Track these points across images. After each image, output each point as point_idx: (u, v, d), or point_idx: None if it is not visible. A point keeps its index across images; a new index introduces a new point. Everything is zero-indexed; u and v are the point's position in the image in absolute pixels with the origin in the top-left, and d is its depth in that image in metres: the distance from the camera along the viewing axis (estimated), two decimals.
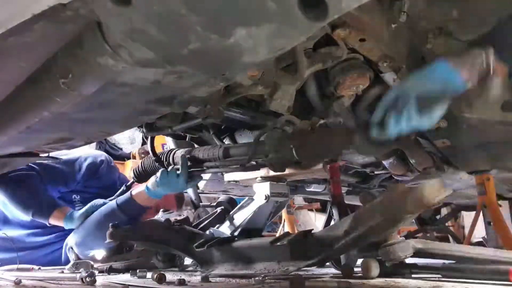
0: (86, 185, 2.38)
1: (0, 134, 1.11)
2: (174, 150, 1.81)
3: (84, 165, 2.41)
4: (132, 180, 2.07)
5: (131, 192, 2.13)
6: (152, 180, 2.07)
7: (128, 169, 3.45)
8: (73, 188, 2.36)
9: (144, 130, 1.54)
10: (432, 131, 1.46)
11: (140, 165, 1.98)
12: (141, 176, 1.99)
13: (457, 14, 1.21)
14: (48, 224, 2.20)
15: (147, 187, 2.06)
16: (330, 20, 0.59)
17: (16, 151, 1.40)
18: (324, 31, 1.08)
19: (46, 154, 1.74)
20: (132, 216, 2.11)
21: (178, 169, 1.94)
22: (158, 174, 1.99)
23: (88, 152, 2.61)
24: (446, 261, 1.24)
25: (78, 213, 2.16)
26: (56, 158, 2.14)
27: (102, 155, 2.58)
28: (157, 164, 1.83)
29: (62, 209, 2.18)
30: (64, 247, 2.19)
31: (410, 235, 3.96)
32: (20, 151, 1.40)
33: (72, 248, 2.10)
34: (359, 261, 1.38)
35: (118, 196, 2.18)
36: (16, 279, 1.40)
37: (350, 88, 1.31)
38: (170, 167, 1.92)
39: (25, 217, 2.24)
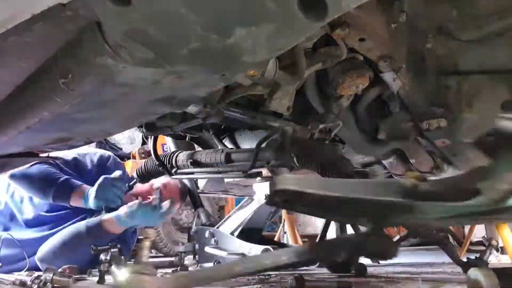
0: (96, 179, 2.40)
1: (1, 134, 1.11)
2: (177, 153, 1.81)
3: (95, 158, 2.46)
4: (134, 180, 2.08)
5: (101, 217, 2.12)
6: (123, 209, 2.09)
7: (128, 169, 3.46)
8: (85, 181, 2.36)
9: (144, 130, 1.55)
10: (432, 130, 1.47)
11: (143, 165, 1.98)
12: (144, 176, 2.00)
13: (457, 14, 1.21)
14: (69, 206, 2.21)
15: (117, 216, 2.07)
16: (329, 19, 0.60)
17: (16, 151, 1.40)
18: (323, 31, 1.08)
19: (45, 154, 1.73)
20: (98, 240, 2.03)
21: (155, 206, 2.01)
22: (132, 205, 2.03)
23: (94, 150, 2.67)
24: None
25: (92, 191, 2.16)
26: (57, 158, 2.14)
27: (107, 152, 2.64)
28: (160, 168, 1.83)
29: (79, 190, 2.19)
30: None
31: (410, 235, 3.96)
32: (20, 151, 1.40)
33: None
34: None
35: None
36: None
37: (349, 88, 1.31)
38: (143, 202, 2.02)
39: (30, 214, 2.25)
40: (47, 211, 2.28)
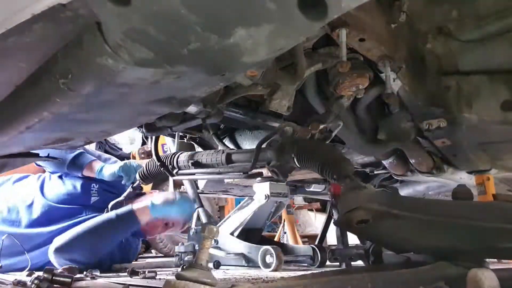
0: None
1: (1, 134, 1.11)
2: (178, 154, 1.81)
3: (102, 157, 2.57)
4: (137, 182, 2.10)
5: (132, 206, 2.16)
6: (159, 197, 2.14)
7: None
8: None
9: (144, 130, 1.55)
10: (432, 131, 1.47)
11: (145, 167, 1.99)
12: (147, 178, 2.01)
13: (457, 14, 1.21)
14: (80, 175, 2.32)
15: (152, 204, 2.12)
16: (329, 20, 0.59)
17: (16, 151, 1.40)
18: (323, 31, 1.08)
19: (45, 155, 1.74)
20: (127, 229, 2.14)
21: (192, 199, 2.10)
22: (170, 194, 2.10)
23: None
24: None
25: (109, 167, 2.27)
26: (55, 158, 2.14)
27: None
28: (162, 169, 1.84)
29: (94, 163, 2.32)
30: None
31: None
32: (19, 151, 1.40)
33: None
34: None
35: (127, 196, 2.21)
36: None
37: (349, 88, 1.31)
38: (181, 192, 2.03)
39: (39, 211, 2.27)
40: (57, 202, 2.31)
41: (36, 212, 2.28)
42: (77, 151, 2.34)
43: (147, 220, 2.15)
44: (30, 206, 2.31)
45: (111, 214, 2.14)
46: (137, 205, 2.17)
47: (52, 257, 2.03)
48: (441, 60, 1.32)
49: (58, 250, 2.02)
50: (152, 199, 2.17)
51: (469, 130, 1.43)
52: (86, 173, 2.34)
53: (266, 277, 1.57)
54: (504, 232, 0.77)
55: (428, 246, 0.94)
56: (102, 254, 2.01)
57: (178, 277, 0.76)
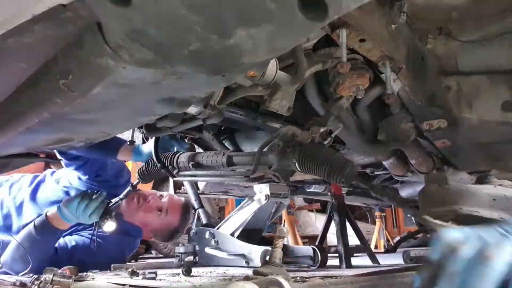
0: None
1: (1, 135, 1.11)
2: (178, 154, 1.81)
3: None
4: (137, 180, 2.07)
5: (46, 213, 2.08)
6: (64, 202, 2.05)
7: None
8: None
9: (144, 130, 1.54)
10: (432, 131, 1.47)
11: (144, 166, 1.98)
12: (146, 176, 1.99)
13: (457, 15, 1.21)
14: (115, 160, 2.21)
15: (58, 207, 2.03)
16: (330, 20, 0.60)
17: (17, 152, 1.40)
18: (323, 32, 1.08)
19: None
20: (48, 239, 2.04)
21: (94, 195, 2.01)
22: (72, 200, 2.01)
23: None
24: None
25: (143, 147, 2.13)
26: (57, 158, 2.14)
27: None
28: (162, 169, 1.83)
29: (127, 146, 2.15)
30: None
31: (410, 236, 3.97)
32: (20, 151, 1.40)
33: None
34: None
35: (125, 194, 2.18)
36: None
37: (349, 89, 1.31)
38: (79, 199, 1.98)
39: (31, 216, 2.22)
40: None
41: (26, 218, 2.24)
42: None
43: (62, 227, 2.07)
44: (20, 211, 2.29)
45: (31, 225, 2.06)
46: (50, 212, 2.08)
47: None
48: (441, 60, 1.33)
49: (3, 265, 2.02)
50: (61, 203, 2.06)
51: (469, 131, 1.44)
52: (121, 156, 2.18)
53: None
54: None
55: None
56: (40, 263, 1.87)
57: (255, 273, 0.81)
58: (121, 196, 2.19)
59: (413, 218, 4.22)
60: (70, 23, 0.71)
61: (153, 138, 1.77)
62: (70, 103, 0.87)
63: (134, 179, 2.17)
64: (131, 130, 1.60)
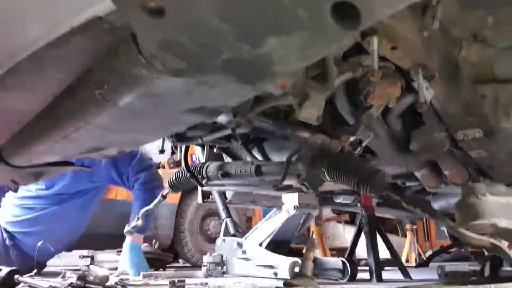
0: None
1: (38, 144, 1.14)
2: (207, 164, 1.82)
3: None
4: (167, 190, 2.12)
5: None
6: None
7: None
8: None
9: (174, 139, 1.57)
10: (467, 141, 1.42)
11: (174, 176, 2.01)
12: (176, 186, 2.03)
13: (492, 20, 1.18)
14: None
15: None
16: (362, 28, 0.59)
17: (52, 160, 1.45)
18: (354, 39, 1.07)
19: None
20: None
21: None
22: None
23: None
24: None
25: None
26: (90, 167, 2.20)
27: None
28: (191, 179, 1.85)
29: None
30: None
31: (444, 249, 3.84)
32: (56, 160, 1.45)
33: None
34: None
35: (155, 204, 2.27)
36: None
37: (380, 98, 1.29)
38: None
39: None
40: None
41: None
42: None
43: None
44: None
45: None
46: None
47: None
48: (476, 68, 1.29)
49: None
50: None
51: (507, 141, 1.38)
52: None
53: None
54: None
55: None
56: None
57: (286, 284, 0.83)
58: (150, 206, 2.26)
59: (446, 231, 4.08)
60: (106, 35, 0.73)
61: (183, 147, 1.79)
62: (105, 113, 0.89)
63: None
64: (161, 139, 1.62)
